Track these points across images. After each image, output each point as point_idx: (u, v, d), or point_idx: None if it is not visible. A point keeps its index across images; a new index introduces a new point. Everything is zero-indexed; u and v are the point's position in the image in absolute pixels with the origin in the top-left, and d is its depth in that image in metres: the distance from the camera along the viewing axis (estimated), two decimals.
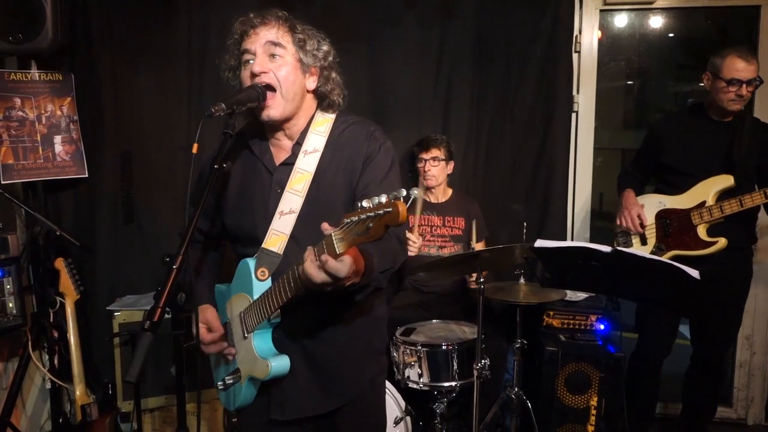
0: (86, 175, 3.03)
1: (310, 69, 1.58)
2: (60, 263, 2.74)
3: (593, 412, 2.75)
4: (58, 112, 2.93)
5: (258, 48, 1.50)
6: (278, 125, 1.60)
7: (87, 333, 3.08)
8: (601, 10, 3.38)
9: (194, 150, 1.36)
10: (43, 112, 2.89)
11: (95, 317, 3.12)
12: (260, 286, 1.58)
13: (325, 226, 1.25)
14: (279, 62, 1.52)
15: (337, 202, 1.57)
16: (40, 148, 2.89)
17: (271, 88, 1.51)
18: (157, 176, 3.20)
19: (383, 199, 1.13)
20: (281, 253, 1.56)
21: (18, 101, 2.85)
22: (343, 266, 1.24)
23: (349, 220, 1.20)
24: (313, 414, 1.65)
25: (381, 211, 1.13)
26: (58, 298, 2.82)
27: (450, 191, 3.30)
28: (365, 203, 1.16)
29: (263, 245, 1.57)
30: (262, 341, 1.62)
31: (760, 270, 3.37)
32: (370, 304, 1.70)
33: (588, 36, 3.38)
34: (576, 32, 3.35)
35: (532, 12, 3.28)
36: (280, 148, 1.64)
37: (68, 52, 2.99)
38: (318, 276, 1.27)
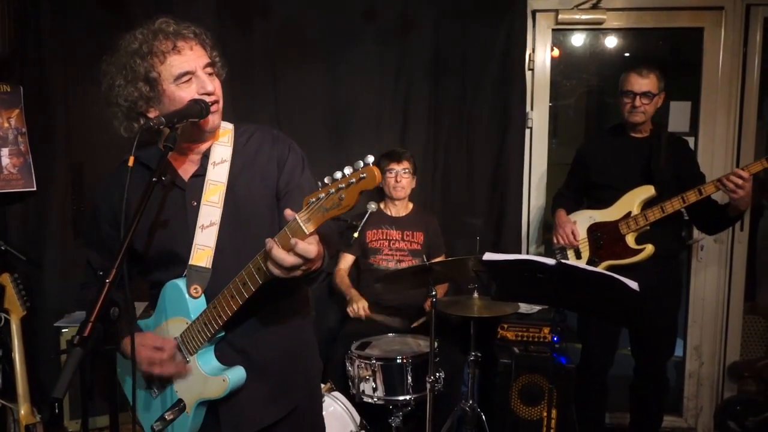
0: (35, 189, 2.96)
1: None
2: (6, 278, 2.65)
3: (546, 423, 2.79)
4: (6, 124, 2.88)
5: (198, 69, 1.50)
6: (197, 139, 1.59)
7: (34, 350, 2.98)
8: (553, 30, 3.47)
9: (130, 163, 1.35)
10: None
11: (42, 334, 3.04)
12: (196, 304, 1.54)
13: (289, 213, 1.29)
14: (215, 80, 1.55)
15: (257, 208, 1.59)
16: None
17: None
18: None
19: (348, 171, 1.19)
20: (210, 267, 1.54)
21: None
22: (312, 246, 1.27)
23: (314, 199, 1.24)
24: (268, 423, 1.62)
25: (354, 180, 1.18)
26: (3, 315, 2.73)
27: (410, 206, 3.34)
28: (327, 179, 1.21)
29: (191, 262, 1.54)
30: (207, 360, 1.57)
31: (707, 281, 3.49)
32: (303, 303, 1.74)
33: (541, 54, 3.47)
34: (529, 50, 3.44)
35: (487, 30, 3.36)
36: (187, 162, 1.61)
37: (18, 63, 2.94)
38: (288, 259, 1.27)
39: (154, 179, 1.38)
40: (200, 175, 1.58)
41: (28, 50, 3.00)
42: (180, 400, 1.60)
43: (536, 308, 3.10)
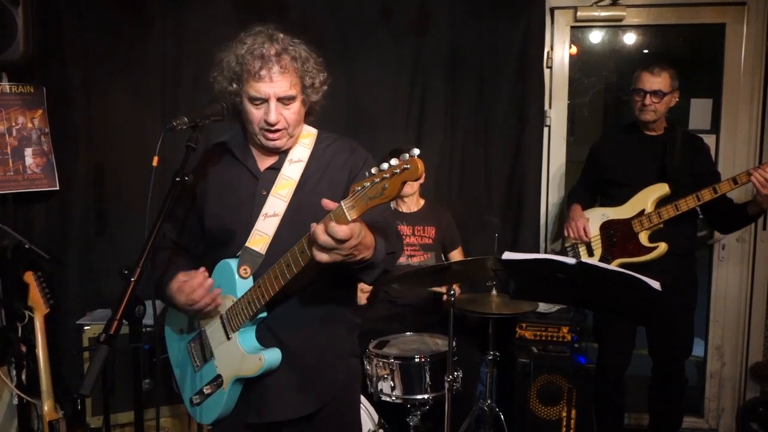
0: (57, 188, 3.01)
1: (310, 103, 1.67)
2: (29, 277, 2.70)
3: (565, 423, 2.77)
4: (29, 125, 2.92)
5: (272, 98, 1.56)
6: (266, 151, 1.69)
7: (57, 347, 3.03)
8: (572, 27, 3.44)
9: (154, 163, 1.39)
10: (13, 124, 2.88)
11: (65, 331, 3.08)
12: (243, 284, 1.62)
13: (327, 202, 1.34)
14: (289, 108, 1.60)
15: (320, 210, 1.62)
16: (11, 161, 2.87)
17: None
18: (130, 189, 3.18)
19: (393, 162, 1.25)
20: (263, 253, 1.61)
21: None
22: (342, 228, 1.30)
23: (360, 188, 1.29)
24: (289, 417, 1.66)
25: (399, 170, 1.24)
26: (27, 312, 2.78)
27: (422, 201, 3.33)
28: (374, 170, 1.28)
29: (247, 244, 1.62)
30: (247, 338, 1.65)
31: (729, 280, 3.44)
32: (347, 305, 1.78)
33: (559, 52, 3.44)
34: (548, 48, 3.41)
35: (504, 28, 3.33)
36: (266, 155, 1.71)
37: (40, 64, 2.98)
38: (321, 236, 1.31)
39: (177, 179, 1.42)
40: (276, 168, 1.67)
41: (50, 52, 3.04)
42: (219, 376, 1.67)
43: (555, 307, 3.08)
